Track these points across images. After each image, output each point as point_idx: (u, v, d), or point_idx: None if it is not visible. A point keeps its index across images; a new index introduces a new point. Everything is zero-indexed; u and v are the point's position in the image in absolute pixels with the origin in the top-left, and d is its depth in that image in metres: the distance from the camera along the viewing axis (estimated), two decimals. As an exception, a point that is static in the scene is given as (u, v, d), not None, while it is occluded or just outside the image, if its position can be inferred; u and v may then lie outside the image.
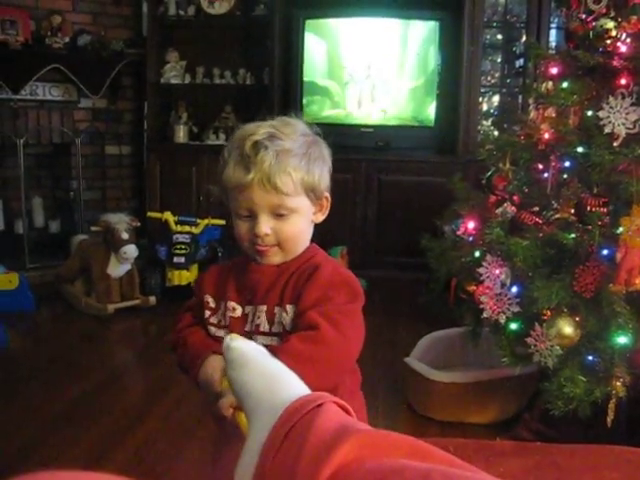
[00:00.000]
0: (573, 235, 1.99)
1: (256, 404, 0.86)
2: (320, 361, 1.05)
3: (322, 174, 1.17)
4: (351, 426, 0.74)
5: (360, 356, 1.17)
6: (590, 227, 1.95)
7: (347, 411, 0.82)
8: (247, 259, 1.23)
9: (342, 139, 3.74)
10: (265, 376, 0.89)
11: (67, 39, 4.29)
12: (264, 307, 1.16)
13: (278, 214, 1.14)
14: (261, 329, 1.16)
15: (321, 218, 1.22)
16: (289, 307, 1.14)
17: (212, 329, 1.23)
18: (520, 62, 4.70)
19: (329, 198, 1.21)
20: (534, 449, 1.09)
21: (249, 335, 1.15)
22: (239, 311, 1.20)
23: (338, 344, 1.07)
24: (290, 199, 1.13)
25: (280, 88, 4.46)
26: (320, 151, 1.19)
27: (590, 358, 1.95)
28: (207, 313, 1.24)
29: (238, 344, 0.94)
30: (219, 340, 1.17)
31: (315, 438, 0.72)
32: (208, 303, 1.24)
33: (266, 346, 1.06)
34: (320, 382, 0.98)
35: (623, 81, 2.07)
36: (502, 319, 2.07)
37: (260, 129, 1.13)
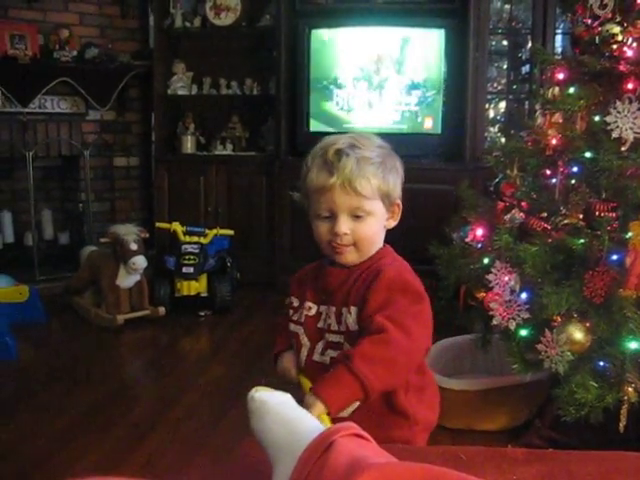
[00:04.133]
0: (582, 240, 1.98)
1: (277, 452, 0.89)
2: (390, 361, 1.16)
3: (395, 183, 1.30)
4: (363, 460, 0.75)
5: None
6: (599, 232, 1.94)
7: (364, 438, 0.82)
8: (324, 262, 1.35)
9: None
10: (284, 424, 0.91)
11: (75, 52, 4.33)
12: (333, 308, 1.29)
13: (356, 215, 1.25)
14: (332, 328, 1.29)
15: (393, 224, 1.34)
16: (353, 309, 1.26)
17: (292, 325, 1.37)
18: (526, 68, 4.70)
19: (400, 206, 1.34)
20: (546, 456, 1.08)
21: (321, 332, 1.30)
22: (314, 310, 1.33)
23: (405, 344, 1.16)
24: (368, 202, 1.25)
25: (287, 98, 4.46)
26: (394, 162, 1.31)
27: (601, 364, 1.94)
28: (290, 312, 1.38)
29: (260, 396, 0.99)
30: (296, 335, 1.35)
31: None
32: (292, 303, 1.39)
33: (335, 343, 1.28)
34: (391, 379, 1.17)
35: (630, 85, 2.06)
36: (512, 326, 2.06)
37: (341, 139, 1.27)
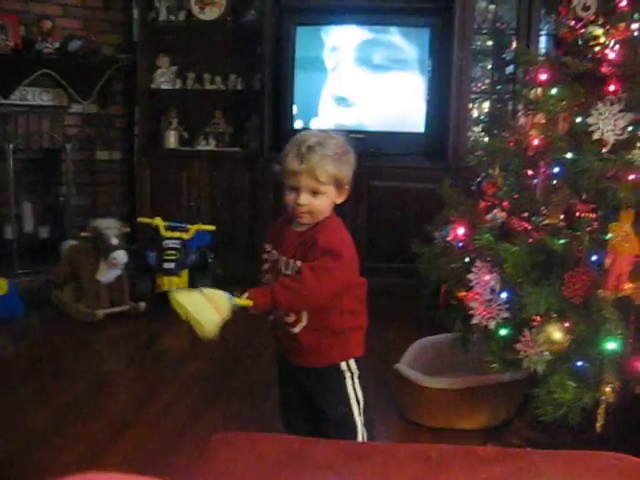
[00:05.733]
0: (562, 241, 1.99)
1: None
2: (295, 290, 1.66)
3: (347, 174, 1.76)
4: None
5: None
6: (579, 233, 1.96)
7: None
8: (286, 222, 1.83)
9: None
10: None
11: (57, 44, 4.27)
12: (284, 257, 1.78)
13: (314, 192, 1.71)
14: (282, 270, 1.78)
15: (340, 200, 1.78)
16: (298, 262, 1.74)
17: (265, 265, 1.86)
18: (510, 69, 4.71)
19: (348, 189, 1.78)
20: (517, 455, 1.09)
21: (278, 271, 1.79)
22: (275, 255, 1.82)
23: (311, 285, 1.66)
24: (323, 186, 1.71)
25: (271, 94, 4.45)
26: (349, 158, 1.77)
27: (579, 364, 1.95)
28: (265, 255, 1.86)
29: None
30: (266, 271, 1.86)
31: None
32: (266, 248, 1.86)
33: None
34: (294, 302, 1.69)
35: (612, 87, 2.07)
36: (492, 325, 2.07)
37: (313, 137, 1.73)
